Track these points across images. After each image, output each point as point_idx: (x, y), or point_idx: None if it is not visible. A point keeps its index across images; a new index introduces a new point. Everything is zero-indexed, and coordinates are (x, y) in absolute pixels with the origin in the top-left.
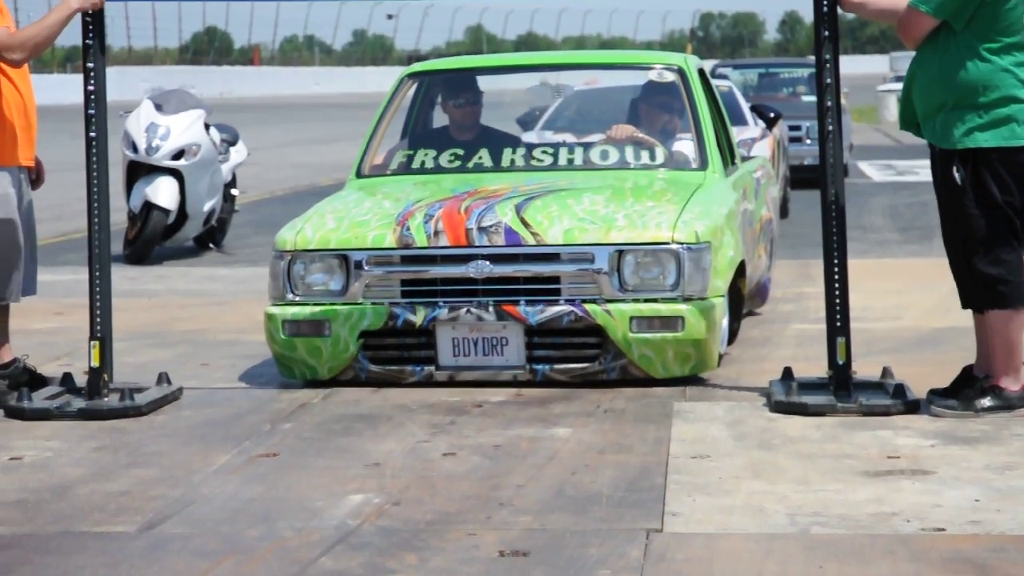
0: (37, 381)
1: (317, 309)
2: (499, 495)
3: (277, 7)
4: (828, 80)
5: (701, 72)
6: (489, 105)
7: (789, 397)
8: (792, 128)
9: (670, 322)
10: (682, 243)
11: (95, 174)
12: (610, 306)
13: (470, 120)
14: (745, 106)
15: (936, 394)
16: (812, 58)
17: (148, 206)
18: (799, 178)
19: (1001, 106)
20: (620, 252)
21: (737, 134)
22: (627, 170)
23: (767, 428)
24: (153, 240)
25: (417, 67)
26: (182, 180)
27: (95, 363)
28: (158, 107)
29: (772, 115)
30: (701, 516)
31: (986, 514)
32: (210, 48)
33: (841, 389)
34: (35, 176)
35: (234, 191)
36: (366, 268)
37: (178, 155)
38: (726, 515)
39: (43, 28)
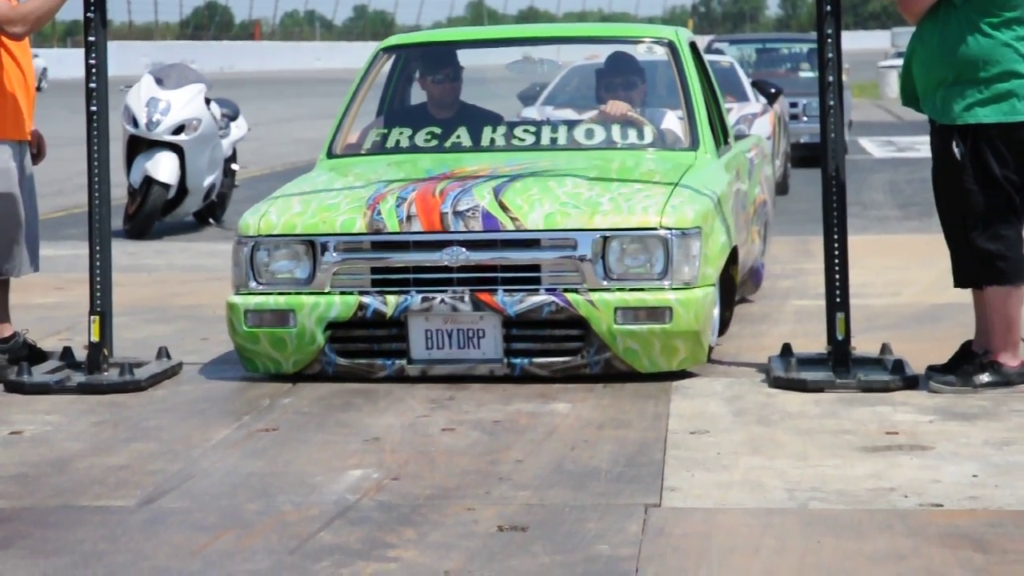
0: (37, 356)
1: (281, 299)
2: (498, 470)
3: None
4: (830, 55)
5: (693, 46)
6: (471, 81)
7: (788, 373)
8: (790, 105)
9: (657, 313)
10: (671, 228)
11: (96, 148)
12: (594, 296)
13: (449, 97)
14: (746, 81)
15: (935, 370)
16: (810, 34)
17: (148, 181)
18: (796, 156)
19: (1001, 81)
20: (605, 238)
21: (738, 110)
22: (614, 150)
23: (766, 404)
24: (153, 215)
25: (392, 40)
26: (182, 155)
27: (95, 338)
28: (159, 82)
29: (773, 90)
30: (699, 491)
31: (984, 490)
32: (211, 23)
33: (840, 365)
34: (36, 150)
35: (234, 166)
36: (334, 255)
37: (178, 130)
38: (724, 490)
39: (44, 1)
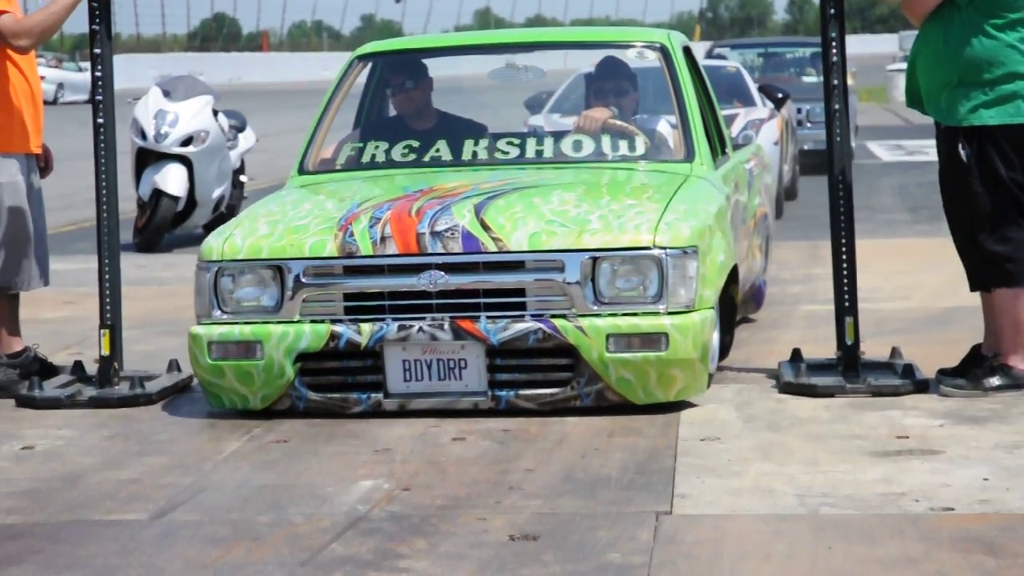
0: (48, 370)
1: (247, 328)
2: (509, 479)
3: None
4: (834, 59)
5: (687, 51)
6: (449, 91)
7: (798, 378)
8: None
9: (652, 340)
10: (665, 248)
11: (103, 161)
12: (583, 322)
13: (421, 102)
14: (753, 86)
15: (945, 374)
16: (814, 38)
17: (157, 193)
18: (800, 162)
19: (1006, 82)
20: (594, 259)
21: (745, 115)
22: (603, 163)
23: (776, 409)
24: (162, 227)
25: (368, 48)
26: (191, 167)
27: (105, 351)
28: (166, 94)
29: (780, 95)
30: (710, 498)
31: (995, 493)
32: (218, 35)
33: (850, 370)
34: (43, 164)
35: (243, 178)
36: (303, 280)
37: (187, 142)
38: (735, 497)
39: (50, 15)
